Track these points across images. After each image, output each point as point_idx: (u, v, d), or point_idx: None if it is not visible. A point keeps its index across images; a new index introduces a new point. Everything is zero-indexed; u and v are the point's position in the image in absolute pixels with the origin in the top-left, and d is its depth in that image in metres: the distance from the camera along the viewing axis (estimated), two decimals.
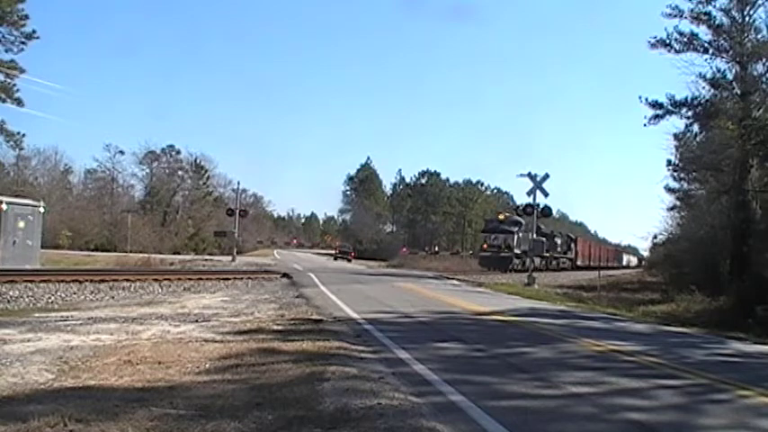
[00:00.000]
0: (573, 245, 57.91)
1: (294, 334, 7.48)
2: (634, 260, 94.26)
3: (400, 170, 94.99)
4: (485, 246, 41.39)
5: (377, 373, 5.39)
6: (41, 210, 21.14)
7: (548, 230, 51.82)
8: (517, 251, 40.00)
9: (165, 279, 15.11)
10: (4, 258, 18.52)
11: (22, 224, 19.76)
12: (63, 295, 11.71)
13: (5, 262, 18.05)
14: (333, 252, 60.04)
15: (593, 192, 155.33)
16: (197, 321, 8.55)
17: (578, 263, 57.23)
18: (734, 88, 22.05)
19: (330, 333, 7.60)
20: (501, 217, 42.24)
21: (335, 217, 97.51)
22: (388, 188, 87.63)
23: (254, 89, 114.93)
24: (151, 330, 7.61)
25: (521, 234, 40.57)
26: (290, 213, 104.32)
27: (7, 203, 19.61)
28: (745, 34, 21.70)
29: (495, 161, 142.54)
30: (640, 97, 23.29)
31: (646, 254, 70.04)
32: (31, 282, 12.51)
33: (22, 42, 31.72)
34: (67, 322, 8.03)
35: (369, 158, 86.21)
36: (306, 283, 15.61)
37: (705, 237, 26.21)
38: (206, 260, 33.71)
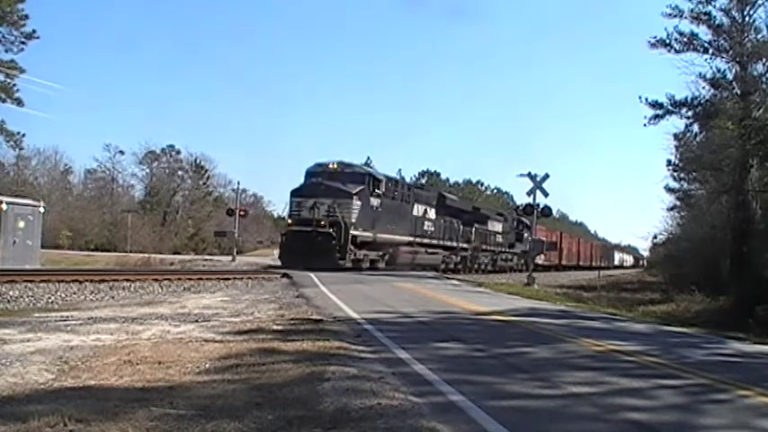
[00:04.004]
0: (528, 234, 38.65)
1: (294, 334, 7.48)
2: (629, 259, 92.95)
3: (400, 170, 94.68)
4: (290, 222, 21.65)
5: (377, 373, 5.39)
6: (41, 210, 21.15)
7: (465, 206, 34.85)
8: (359, 233, 21.26)
9: (165, 279, 15.08)
10: (4, 258, 18.51)
11: (22, 224, 19.76)
12: (63, 295, 11.70)
13: (5, 262, 18.04)
14: None
15: (593, 192, 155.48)
16: (197, 321, 8.55)
17: (538, 260, 40.52)
18: (734, 88, 22.09)
19: (330, 333, 7.59)
20: (333, 166, 22.25)
21: None
22: None
23: (254, 89, 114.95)
24: (151, 330, 7.61)
25: (373, 201, 22.07)
26: None
27: (7, 203, 19.61)
28: (745, 34, 21.74)
29: (495, 161, 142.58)
30: (640, 97, 23.36)
31: (646, 254, 69.79)
32: (31, 282, 12.49)
33: (22, 42, 31.79)
34: (67, 322, 8.03)
35: (369, 158, 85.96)
36: (306, 283, 15.59)
37: (705, 237, 26.28)
38: (206, 260, 33.67)
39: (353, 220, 20.71)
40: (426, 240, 26.76)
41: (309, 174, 22.50)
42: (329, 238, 19.99)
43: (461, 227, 30.65)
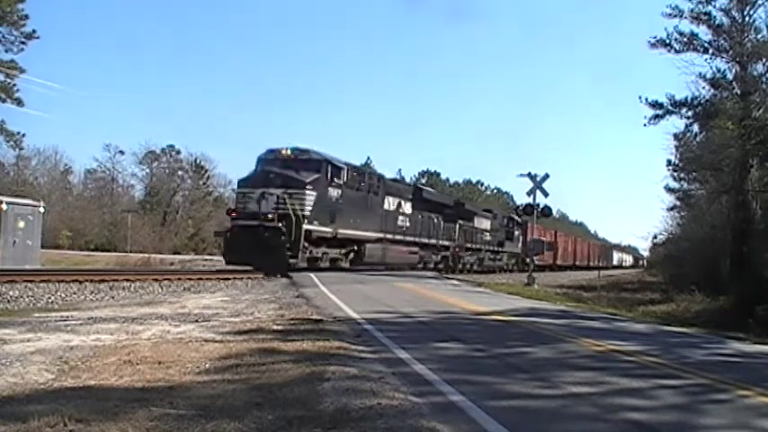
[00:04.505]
0: (520, 232, 39.40)
1: (294, 334, 7.48)
2: (629, 259, 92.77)
3: (400, 170, 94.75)
4: (233, 215, 19.07)
5: (377, 373, 5.39)
6: (41, 210, 21.16)
7: (446, 200, 32.09)
8: (314, 228, 18.58)
9: (165, 279, 15.08)
10: (4, 258, 18.52)
11: (22, 224, 19.77)
12: (63, 295, 11.69)
13: (5, 262, 18.05)
14: None
15: (593, 192, 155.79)
16: (197, 321, 8.54)
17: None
18: (734, 88, 22.13)
19: (330, 333, 7.59)
20: (286, 152, 19.45)
21: None
22: None
23: (253, 89, 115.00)
24: (151, 330, 7.61)
25: (332, 191, 19.65)
26: None
27: (7, 203, 19.62)
28: (745, 34, 21.78)
29: (495, 161, 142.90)
30: (640, 97, 23.43)
31: (646, 254, 69.77)
32: (31, 282, 12.49)
33: (22, 42, 31.86)
34: (67, 322, 8.03)
35: (369, 158, 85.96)
36: (306, 283, 15.58)
37: (705, 237, 26.30)
38: (206, 260, 33.69)
39: (307, 213, 18.24)
40: (399, 237, 24.43)
41: (260, 161, 19.86)
42: (278, 234, 17.55)
43: (443, 223, 28.69)
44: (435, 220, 28.11)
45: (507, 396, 5.00)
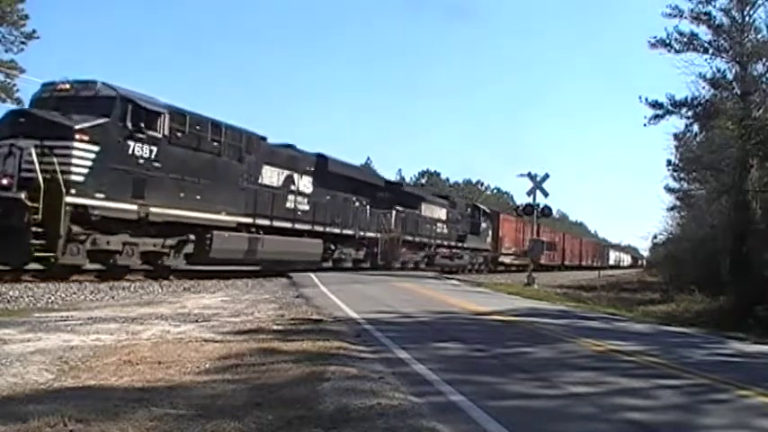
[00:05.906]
0: (488, 225, 33.49)
1: (294, 334, 7.48)
2: (627, 258, 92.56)
3: (400, 170, 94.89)
4: None
5: (377, 373, 5.39)
6: None
7: (374, 180, 25.87)
8: (94, 203, 12.13)
9: (165, 279, 15.07)
10: None
11: None
12: (63, 295, 11.67)
13: None
14: None
15: (594, 192, 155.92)
16: (197, 321, 8.54)
17: (505, 260, 35.02)
18: (734, 88, 22.16)
19: (330, 333, 7.59)
20: (65, 87, 13.03)
21: None
22: None
23: (252, 89, 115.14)
24: (151, 330, 7.61)
25: (137, 147, 13.04)
26: None
27: None
28: (745, 34, 21.81)
29: (496, 161, 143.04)
30: (640, 97, 23.51)
31: (646, 254, 69.77)
32: (31, 282, 12.49)
33: (22, 42, 31.82)
34: (67, 322, 8.02)
35: (369, 158, 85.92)
36: (305, 283, 15.58)
37: (705, 237, 26.29)
38: None
39: (78, 179, 11.96)
40: (286, 224, 18.14)
41: (32, 102, 13.64)
42: (18, 211, 11.36)
43: (370, 208, 22.96)
44: (357, 204, 22.30)
45: (507, 396, 5.01)
